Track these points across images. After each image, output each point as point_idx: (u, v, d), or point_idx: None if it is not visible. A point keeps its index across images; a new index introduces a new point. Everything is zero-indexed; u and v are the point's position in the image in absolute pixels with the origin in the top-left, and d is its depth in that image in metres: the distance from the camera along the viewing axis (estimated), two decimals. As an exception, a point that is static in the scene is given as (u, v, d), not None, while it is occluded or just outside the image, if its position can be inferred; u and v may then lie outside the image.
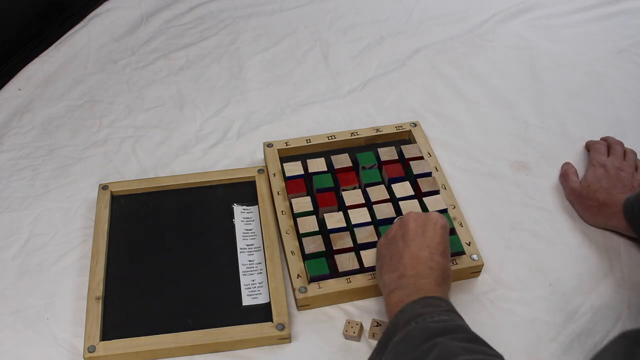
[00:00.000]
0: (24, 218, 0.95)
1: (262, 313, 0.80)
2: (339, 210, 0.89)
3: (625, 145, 0.98)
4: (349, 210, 0.88)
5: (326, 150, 0.99)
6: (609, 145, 0.97)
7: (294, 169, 0.94)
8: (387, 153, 0.95)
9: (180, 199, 0.94)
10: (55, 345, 0.80)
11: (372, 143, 1.00)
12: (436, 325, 0.62)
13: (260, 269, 0.85)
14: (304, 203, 0.89)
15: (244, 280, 0.84)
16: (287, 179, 0.93)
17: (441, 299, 0.67)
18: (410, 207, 0.87)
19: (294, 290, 0.81)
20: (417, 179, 0.91)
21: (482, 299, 0.82)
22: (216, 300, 0.82)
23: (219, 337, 0.78)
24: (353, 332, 0.78)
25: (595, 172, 0.92)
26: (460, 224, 0.87)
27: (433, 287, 0.69)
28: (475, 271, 0.84)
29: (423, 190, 0.90)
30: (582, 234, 0.89)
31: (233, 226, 0.90)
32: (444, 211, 0.87)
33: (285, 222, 0.88)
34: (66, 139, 1.07)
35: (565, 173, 0.95)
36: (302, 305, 0.81)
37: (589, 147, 1.00)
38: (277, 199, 0.91)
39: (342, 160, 0.95)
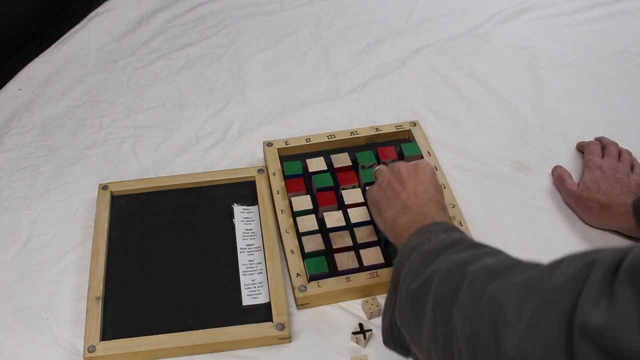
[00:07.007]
0: (24, 218, 0.94)
1: (262, 313, 0.80)
2: (338, 209, 0.89)
3: (625, 146, 0.97)
4: (348, 209, 0.88)
5: (326, 150, 0.99)
6: (603, 145, 0.97)
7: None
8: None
9: (180, 199, 0.94)
10: (55, 345, 0.80)
11: (372, 142, 1.00)
12: (434, 246, 0.64)
13: (260, 269, 0.85)
14: (303, 202, 0.89)
15: (244, 280, 0.84)
16: (286, 178, 0.93)
17: (438, 223, 0.69)
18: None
19: (293, 289, 0.81)
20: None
21: (482, 299, 0.82)
22: (216, 300, 0.82)
23: (219, 337, 0.78)
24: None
25: (592, 174, 0.92)
26: (460, 223, 0.87)
27: (435, 212, 0.73)
28: (475, 271, 0.84)
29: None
30: (583, 234, 0.89)
31: (233, 226, 0.90)
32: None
33: (285, 221, 0.88)
34: (66, 139, 1.07)
35: (561, 176, 0.94)
36: (301, 304, 0.81)
37: (582, 148, 1.00)
38: (276, 198, 0.91)
39: (342, 160, 0.95)
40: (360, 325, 0.78)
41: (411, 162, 0.80)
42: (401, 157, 0.96)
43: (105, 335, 0.78)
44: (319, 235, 0.86)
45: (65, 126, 1.09)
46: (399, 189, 0.77)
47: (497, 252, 0.61)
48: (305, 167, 0.95)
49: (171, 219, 0.92)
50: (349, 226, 0.87)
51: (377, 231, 0.86)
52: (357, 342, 0.78)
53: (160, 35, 1.27)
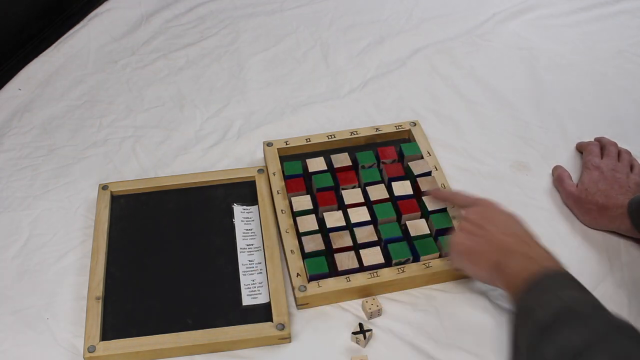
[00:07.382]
0: (24, 218, 0.95)
1: (262, 313, 0.80)
2: (338, 209, 0.89)
3: (625, 146, 0.97)
4: (348, 209, 0.88)
5: (326, 150, 0.99)
6: (602, 146, 0.97)
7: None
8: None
9: (180, 199, 0.94)
10: (55, 345, 0.80)
11: (372, 142, 1.00)
12: (549, 320, 0.62)
13: (260, 269, 0.85)
14: (303, 202, 0.89)
15: (244, 280, 0.84)
16: (286, 178, 0.93)
17: (550, 276, 0.67)
18: (409, 205, 0.88)
19: (293, 289, 0.81)
20: (417, 178, 0.92)
21: (482, 299, 0.82)
22: (216, 300, 0.82)
23: (219, 337, 0.78)
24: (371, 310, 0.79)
25: (590, 175, 0.91)
26: (460, 223, 0.87)
27: (542, 253, 0.71)
28: (475, 271, 0.84)
29: (422, 190, 0.90)
30: (582, 234, 0.89)
31: (233, 226, 0.90)
32: (443, 210, 0.87)
33: (285, 221, 0.88)
34: (66, 139, 1.07)
35: (560, 177, 0.94)
36: (301, 304, 0.81)
37: (582, 149, 1.00)
38: (276, 198, 0.91)
39: (342, 160, 0.95)
40: (360, 325, 0.78)
41: (473, 206, 0.80)
42: (401, 157, 0.96)
43: (105, 335, 0.78)
44: (319, 235, 0.86)
45: (65, 126, 1.09)
46: (487, 233, 0.75)
47: (610, 340, 0.58)
48: (305, 167, 0.95)
49: (171, 219, 0.92)
50: (349, 226, 0.87)
51: (377, 231, 0.86)
52: (357, 342, 0.78)
53: (160, 35, 1.27)
